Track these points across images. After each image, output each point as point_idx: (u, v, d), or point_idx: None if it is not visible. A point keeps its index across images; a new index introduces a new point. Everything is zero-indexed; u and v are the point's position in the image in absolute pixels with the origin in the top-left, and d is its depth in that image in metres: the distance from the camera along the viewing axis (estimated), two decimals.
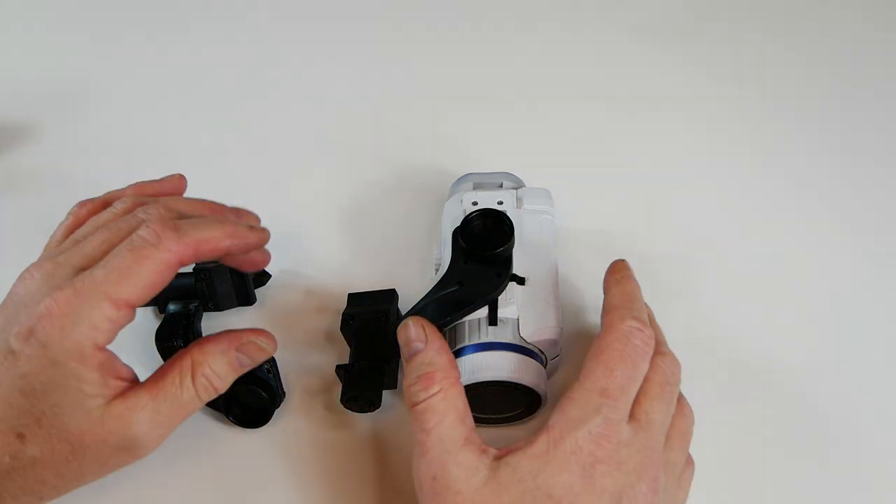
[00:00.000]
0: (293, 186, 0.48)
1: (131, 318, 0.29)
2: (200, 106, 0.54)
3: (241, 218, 0.35)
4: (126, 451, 0.29)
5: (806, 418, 0.37)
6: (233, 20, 0.62)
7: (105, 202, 0.34)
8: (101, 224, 0.32)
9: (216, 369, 0.31)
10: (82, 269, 0.29)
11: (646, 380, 0.30)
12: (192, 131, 0.52)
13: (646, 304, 0.34)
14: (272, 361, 0.37)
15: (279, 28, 0.61)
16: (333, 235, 0.45)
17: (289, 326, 0.40)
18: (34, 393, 0.28)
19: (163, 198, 0.34)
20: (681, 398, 0.32)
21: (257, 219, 0.37)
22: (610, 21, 0.61)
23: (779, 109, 0.53)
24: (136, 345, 0.39)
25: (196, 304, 0.39)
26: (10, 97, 0.55)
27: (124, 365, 0.30)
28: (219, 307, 0.40)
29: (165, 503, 0.34)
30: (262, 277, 0.42)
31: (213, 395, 0.31)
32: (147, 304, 0.40)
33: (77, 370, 0.28)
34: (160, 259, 0.29)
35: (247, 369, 0.33)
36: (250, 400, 0.36)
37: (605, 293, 0.33)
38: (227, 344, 0.32)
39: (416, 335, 0.31)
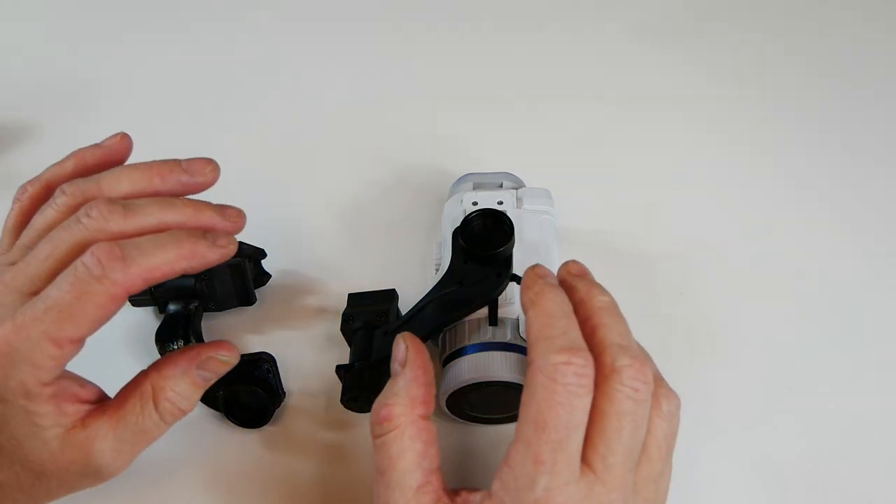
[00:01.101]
0: (293, 186, 0.48)
1: (79, 349, 0.28)
2: (200, 106, 0.54)
3: (194, 175, 0.31)
4: (91, 476, 0.29)
5: (805, 418, 0.37)
6: (233, 20, 0.62)
7: (47, 184, 0.32)
8: (42, 226, 0.30)
9: (179, 391, 0.30)
10: (29, 293, 0.27)
11: (599, 413, 0.26)
12: (192, 131, 0.52)
13: (604, 292, 0.29)
14: (272, 361, 0.37)
15: (279, 28, 0.61)
16: (333, 235, 0.45)
17: (289, 326, 0.40)
18: None
19: (105, 180, 0.30)
20: (658, 389, 0.28)
21: (213, 165, 0.32)
22: (610, 21, 0.61)
23: (779, 109, 0.53)
24: (136, 345, 0.39)
25: (196, 304, 0.39)
26: (10, 97, 0.55)
27: (84, 385, 0.29)
28: (219, 307, 0.40)
29: (164, 503, 0.34)
30: (262, 277, 0.42)
31: (180, 417, 0.30)
32: (147, 305, 0.40)
33: (26, 406, 0.27)
34: (104, 294, 0.26)
35: (211, 384, 0.31)
36: (250, 400, 0.36)
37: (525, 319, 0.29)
38: (186, 363, 0.30)
39: (399, 356, 0.29)
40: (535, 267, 0.30)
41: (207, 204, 0.31)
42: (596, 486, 0.25)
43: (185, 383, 0.30)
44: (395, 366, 0.29)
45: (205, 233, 0.29)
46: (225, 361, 0.31)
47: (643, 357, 0.27)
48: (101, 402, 0.30)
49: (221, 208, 0.31)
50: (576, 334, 0.27)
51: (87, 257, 0.26)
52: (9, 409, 0.27)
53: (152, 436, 0.30)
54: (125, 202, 0.29)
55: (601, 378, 0.26)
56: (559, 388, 0.25)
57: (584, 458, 0.25)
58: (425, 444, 0.28)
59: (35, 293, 0.27)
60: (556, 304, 0.28)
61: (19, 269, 0.28)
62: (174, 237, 0.28)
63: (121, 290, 0.27)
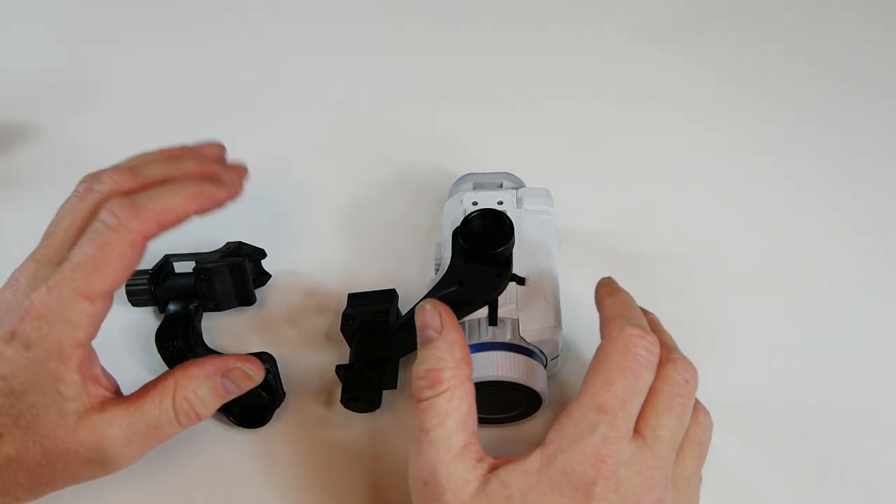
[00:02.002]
0: (293, 186, 0.48)
1: (110, 304, 0.29)
2: (200, 106, 0.54)
3: (203, 153, 0.34)
4: (97, 464, 0.29)
5: (805, 418, 0.37)
6: (233, 20, 0.62)
7: None
8: (66, 210, 0.31)
9: (200, 394, 0.31)
10: (58, 263, 0.29)
11: (654, 391, 0.28)
12: (192, 131, 0.52)
13: (649, 312, 0.33)
14: (272, 361, 0.37)
15: (279, 28, 0.61)
16: (333, 235, 0.45)
17: (289, 326, 0.40)
18: (13, 393, 0.28)
19: (117, 164, 0.32)
20: (697, 404, 0.30)
21: (221, 147, 0.35)
22: (610, 21, 0.61)
23: (779, 109, 0.53)
24: (136, 345, 0.39)
25: (196, 304, 0.39)
26: (10, 97, 0.55)
27: (106, 374, 0.30)
28: (219, 307, 0.40)
29: (164, 502, 0.34)
30: (262, 277, 0.42)
31: (195, 421, 0.31)
32: (147, 305, 0.40)
33: (56, 370, 0.28)
34: (123, 242, 0.28)
35: (232, 396, 0.32)
36: (250, 400, 0.35)
37: (599, 308, 0.32)
38: (212, 369, 0.31)
39: (431, 321, 0.29)
40: (608, 276, 0.34)
41: (210, 158, 0.33)
42: (644, 450, 0.27)
43: (207, 388, 0.31)
44: (428, 332, 0.29)
45: (210, 178, 0.31)
46: (250, 376, 0.32)
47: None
48: (118, 394, 0.30)
49: (223, 162, 0.33)
50: (646, 323, 0.30)
51: (102, 213, 0.29)
52: (39, 373, 0.28)
53: (164, 433, 0.30)
54: (132, 166, 0.31)
55: (658, 364, 0.29)
56: (630, 355, 0.28)
57: (636, 428, 0.28)
58: (470, 406, 0.28)
59: (63, 262, 0.29)
60: (631, 298, 0.32)
61: (46, 244, 0.30)
62: (181, 183, 0.30)
63: (137, 236, 0.29)
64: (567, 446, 0.27)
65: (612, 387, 0.27)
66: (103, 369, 0.30)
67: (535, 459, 0.27)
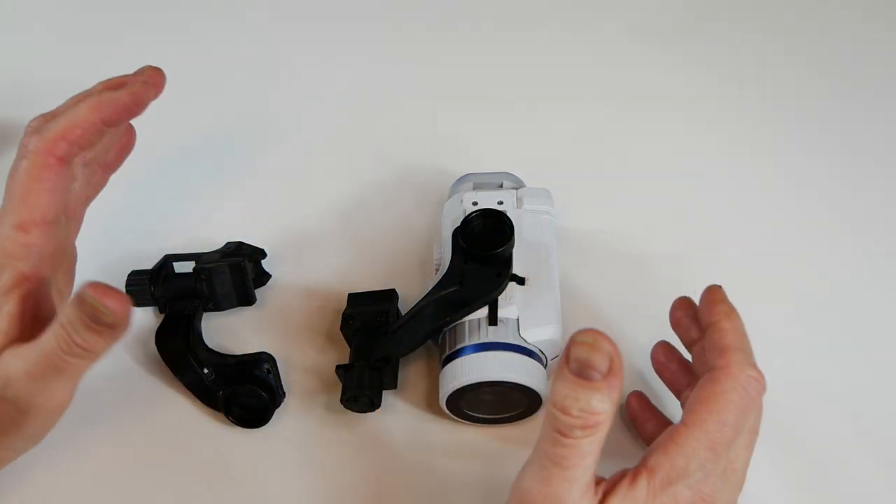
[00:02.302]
0: (293, 187, 0.48)
1: (51, 234, 0.30)
2: (200, 106, 0.54)
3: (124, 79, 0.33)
4: (12, 406, 0.28)
5: (805, 418, 0.37)
6: (233, 20, 0.62)
7: None
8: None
9: (70, 317, 0.27)
10: None
11: None
12: (192, 132, 0.52)
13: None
14: (272, 361, 0.37)
15: (279, 28, 0.61)
16: (333, 235, 0.45)
17: (289, 326, 0.40)
18: None
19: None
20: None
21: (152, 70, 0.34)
22: (610, 21, 0.61)
23: (779, 109, 0.53)
24: (136, 345, 0.39)
25: (196, 304, 0.39)
26: (10, 97, 0.55)
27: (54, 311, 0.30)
28: (218, 307, 0.40)
29: (165, 503, 0.34)
30: (262, 277, 0.42)
31: (77, 352, 0.27)
32: (147, 305, 0.40)
33: (2, 305, 0.28)
34: (36, 167, 0.29)
35: (98, 327, 0.26)
36: (250, 400, 0.36)
37: (711, 326, 0.31)
38: (77, 293, 0.26)
39: (598, 362, 0.24)
40: (719, 287, 0.33)
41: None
42: (727, 484, 0.29)
43: (72, 311, 0.27)
44: (591, 372, 0.25)
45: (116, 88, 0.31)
46: (95, 307, 0.26)
47: None
48: None
49: (136, 73, 0.33)
50: (754, 356, 0.30)
51: (18, 151, 0.30)
52: None
53: (55, 364, 0.27)
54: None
55: None
56: (747, 398, 0.28)
57: None
58: (603, 441, 0.26)
59: None
60: (744, 325, 0.31)
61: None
62: (86, 98, 0.31)
63: (47, 157, 0.29)
64: (676, 478, 0.28)
65: (724, 427, 0.28)
66: (52, 306, 0.30)
67: (642, 487, 0.28)
